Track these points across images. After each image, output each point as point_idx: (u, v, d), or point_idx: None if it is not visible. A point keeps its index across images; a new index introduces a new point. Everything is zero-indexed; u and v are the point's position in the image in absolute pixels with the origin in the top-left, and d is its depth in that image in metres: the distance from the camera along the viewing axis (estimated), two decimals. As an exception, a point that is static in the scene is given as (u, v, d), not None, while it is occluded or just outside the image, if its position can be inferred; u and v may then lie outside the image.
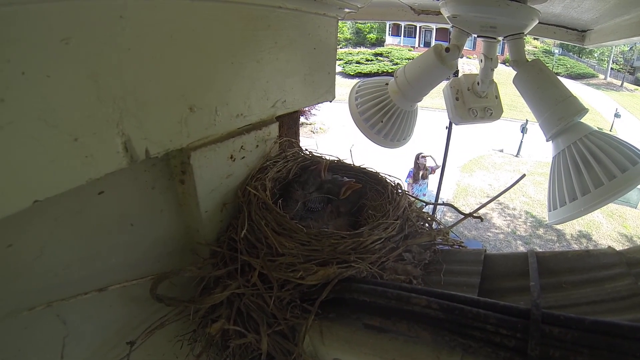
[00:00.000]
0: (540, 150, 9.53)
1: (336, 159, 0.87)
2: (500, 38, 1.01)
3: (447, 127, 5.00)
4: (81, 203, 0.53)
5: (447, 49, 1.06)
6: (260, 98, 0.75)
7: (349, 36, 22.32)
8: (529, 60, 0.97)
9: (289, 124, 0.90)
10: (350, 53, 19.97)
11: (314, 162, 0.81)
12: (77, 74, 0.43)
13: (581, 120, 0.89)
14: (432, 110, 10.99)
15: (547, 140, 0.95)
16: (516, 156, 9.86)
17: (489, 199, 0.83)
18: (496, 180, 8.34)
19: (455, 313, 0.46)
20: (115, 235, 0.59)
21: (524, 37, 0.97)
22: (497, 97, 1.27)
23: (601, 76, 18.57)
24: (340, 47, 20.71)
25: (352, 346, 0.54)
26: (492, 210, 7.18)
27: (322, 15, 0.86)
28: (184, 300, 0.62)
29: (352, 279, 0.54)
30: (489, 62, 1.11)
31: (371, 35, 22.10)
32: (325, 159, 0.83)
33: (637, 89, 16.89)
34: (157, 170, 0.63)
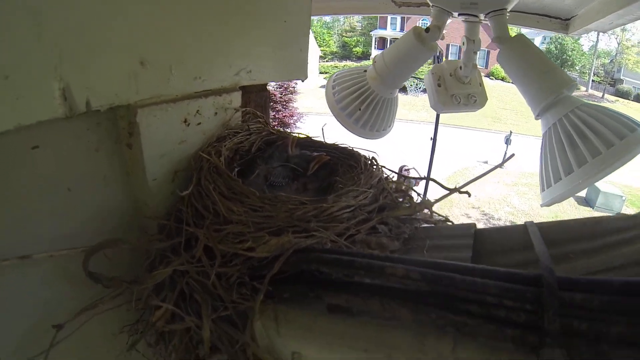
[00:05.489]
0: (524, 162, 9.51)
1: (305, 135, 0.75)
2: (482, 16, 0.92)
3: (431, 139, 4.94)
4: (11, 156, 0.43)
5: (427, 29, 0.97)
6: (221, 63, 0.64)
7: (335, 50, 21.87)
8: (512, 36, 0.88)
9: (257, 101, 0.78)
10: (336, 67, 19.54)
11: (281, 138, 0.69)
12: (16, 7, 0.36)
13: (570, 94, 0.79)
14: (417, 123, 10.99)
15: (537, 117, 0.84)
16: (501, 167, 9.80)
17: (477, 176, 0.70)
18: (481, 192, 8.24)
19: (443, 283, 0.32)
20: (49, 199, 0.47)
21: (506, 13, 0.88)
22: (481, 84, 1.17)
23: (583, 88, 18.70)
24: (326, 61, 20.29)
25: (315, 335, 0.39)
26: (477, 221, 7.02)
27: (293, -13, 0.76)
28: (125, 281, 0.48)
29: (311, 250, 0.41)
30: (472, 45, 1.02)
31: (357, 48, 21.74)
32: (294, 134, 0.71)
33: (617, 100, 16.91)
34: (103, 131, 0.52)
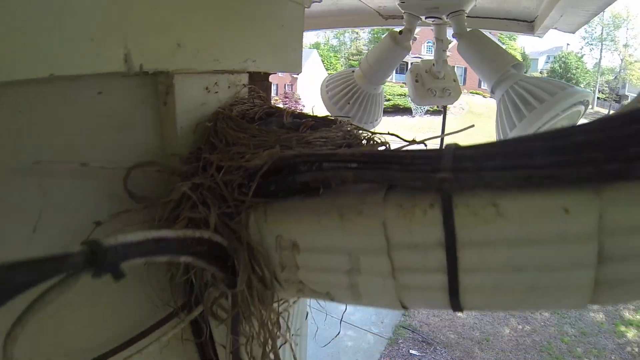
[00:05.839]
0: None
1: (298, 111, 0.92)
2: (445, 17, 1.10)
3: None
4: (85, 95, 0.60)
5: (400, 32, 1.16)
6: (233, 52, 0.84)
7: (342, 72, 22.37)
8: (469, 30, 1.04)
9: (260, 87, 0.97)
10: (342, 89, 19.82)
11: (279, 111, 0.87)
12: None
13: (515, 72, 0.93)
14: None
15: (492, 95, 0.98)
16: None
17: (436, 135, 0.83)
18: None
19: (374, 157, 0.46)
20: (104, 133, 0.64)
21: (464, 13, 1.06)
22: (455, 80, 1.33)
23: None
24: (333, 84, 20.71)
25: (290, 215, 0.53)
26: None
27: (289, 0, 0.98)
28: (153, 198, 0.64)
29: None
30: (440, 44, 1.20)
31: (364, 72, 22.05)
32: (289, 108, 0.89)
33: (624, 116, 16.45)
34: (147, 89, 0.70)
